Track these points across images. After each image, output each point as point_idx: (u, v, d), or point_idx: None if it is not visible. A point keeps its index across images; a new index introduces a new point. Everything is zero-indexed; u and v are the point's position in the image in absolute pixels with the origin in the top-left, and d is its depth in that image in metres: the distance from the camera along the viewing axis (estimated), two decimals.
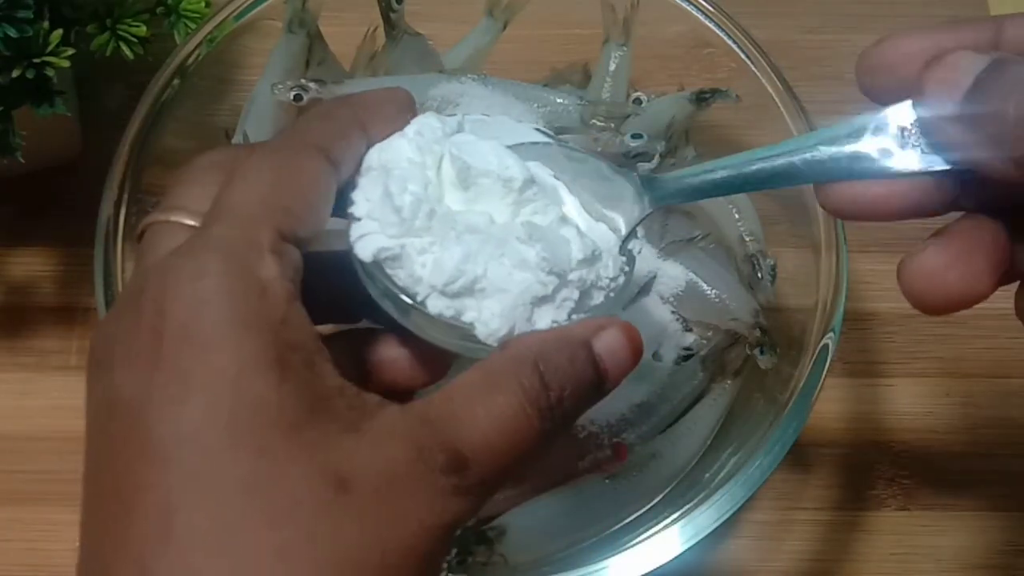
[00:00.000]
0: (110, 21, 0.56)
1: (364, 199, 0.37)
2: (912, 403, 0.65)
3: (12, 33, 0.52)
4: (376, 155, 0.38)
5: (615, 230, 0.40)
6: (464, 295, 0.36)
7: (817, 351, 0.53)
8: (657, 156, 0.59)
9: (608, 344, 0.35)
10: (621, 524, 0.54)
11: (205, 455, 0.30)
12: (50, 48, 0.54)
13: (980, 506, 0.62)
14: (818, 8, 0.77)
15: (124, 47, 0.57)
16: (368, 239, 0.36)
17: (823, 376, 0.52)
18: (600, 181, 0.41)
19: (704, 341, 0.59)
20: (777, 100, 0.57)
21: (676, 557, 0.49)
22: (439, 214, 0.37)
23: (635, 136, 0.59)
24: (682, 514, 0.50)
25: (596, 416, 0.56)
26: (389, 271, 0.36)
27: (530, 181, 0.39)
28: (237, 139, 0.57)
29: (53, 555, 0.60)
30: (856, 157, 0.36)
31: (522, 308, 0.36)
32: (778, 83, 0.57)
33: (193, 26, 0.59)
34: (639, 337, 0.36)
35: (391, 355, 0.39)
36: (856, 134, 0.36)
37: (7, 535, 0.60)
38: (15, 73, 0.53)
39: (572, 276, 0.37)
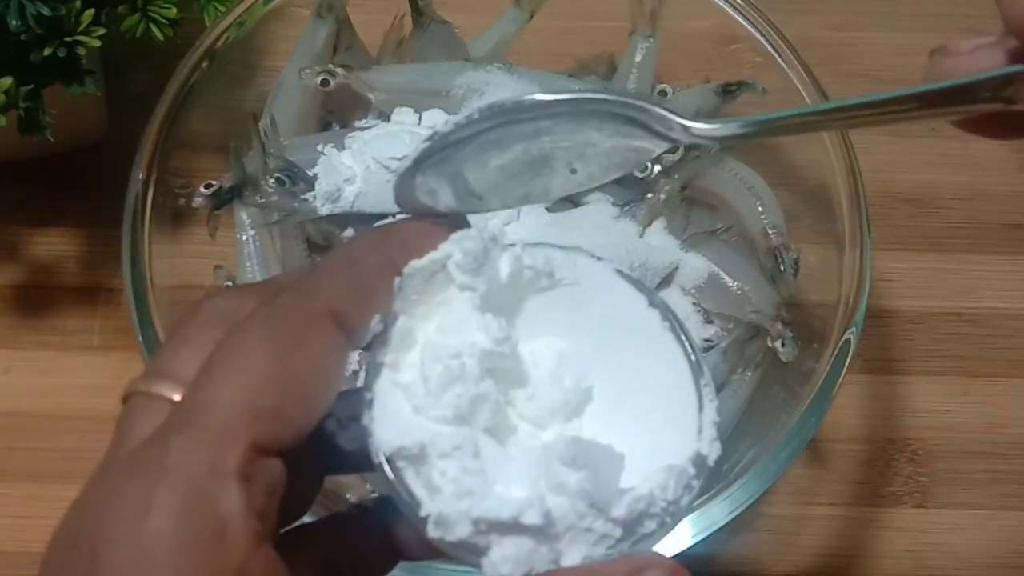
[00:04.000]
0: (141, 2, 0.57)
1: (395, 362, 0.31)
2: (930, 401, 0.65)
3: (45, 11, 0.53)
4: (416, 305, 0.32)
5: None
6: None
7: (838, 346, 0.53)
8: (681, 148, 0.59)
9: None
10: None
11: None
12: (81, 27, 0.54)
13: (997, 504, 0.62)
14: (843, 5, 0.77)
15: (154, 28, 0.57)
16: (391, 427, 0.30)
17: (844, 371, 0.52)
18: None
19: (725, 333, 0.59)
20: (804, 94, 0.57)
21: (688, 549, 0.49)
22: (481, 403, 0.31)
23: None
24: (697, 506, 0.50)
25: None
26: (400, 466, 0.30)
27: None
28: (264, 123, 0.58)
29: None
30: None
31: (545, 548, 0.29)
32: (805, 77, 0.57)
33: (223, 9, 0.59)
34: None
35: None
36: None
37: (28, 512, 0.61)
38: (46, 51, 0.54)
39: (616, 513, 0.29)
